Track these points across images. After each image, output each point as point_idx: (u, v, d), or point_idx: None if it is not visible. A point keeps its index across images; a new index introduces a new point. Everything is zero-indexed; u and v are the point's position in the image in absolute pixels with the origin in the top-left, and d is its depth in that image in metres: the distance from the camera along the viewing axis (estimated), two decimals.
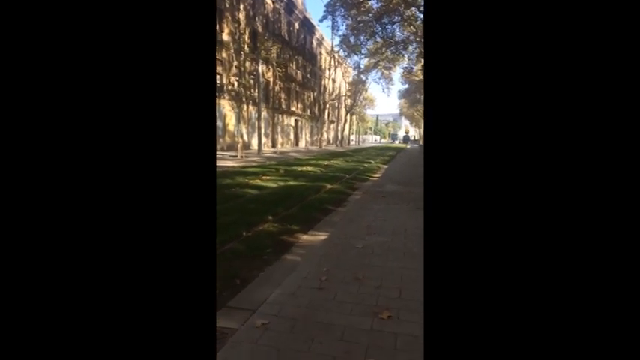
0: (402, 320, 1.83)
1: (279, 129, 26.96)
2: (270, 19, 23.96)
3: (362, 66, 30.84)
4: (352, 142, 45.48)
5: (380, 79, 32.07)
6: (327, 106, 33.93)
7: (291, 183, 7.23)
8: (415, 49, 20.51)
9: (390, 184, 7.47)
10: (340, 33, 22.76)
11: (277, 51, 21.77)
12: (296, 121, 30.50)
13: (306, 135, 33.15)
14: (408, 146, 40.83)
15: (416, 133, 64.13)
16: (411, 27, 18.28)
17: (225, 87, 19.05)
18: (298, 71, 29.31)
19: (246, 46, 16.90)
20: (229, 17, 18.89)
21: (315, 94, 33.70)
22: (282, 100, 27.14)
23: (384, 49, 22.20)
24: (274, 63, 22.38)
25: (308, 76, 31.93)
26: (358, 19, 19.03)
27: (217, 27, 18.34)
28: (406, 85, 38.58)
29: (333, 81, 33.84)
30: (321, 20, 28.07)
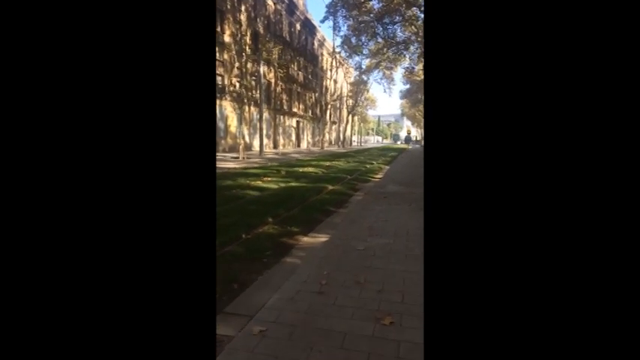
0: (404, 327, 1.76)
1: (280, 130, 26.93)
2: (271, 20, 23.96)
3: (363, 66, 30.81)
4: (354, 143, 45.43)
5: (381, 79, 32.06)
6: (329, 106, 33.90)
7: (293, 184, 7.17)
8: (416, 49, 20.45)
9: (392, 185, 7.40)
10: (341, 34, 22.69)
11: (279, 52, 21.75)
12: (298, 122, 30.46)
13: (307, 136, 33.12)
14: (410, 147, 40.69)
15: (418, 133, 63.96)
16: (412, 27, 18.23)
17: (227, 88, 19.04)
18: (300, 72, 29.29)
19: (247, 47, 16.89)
20: (231, 18, 18.88)
21: (317, 95, 33.67)
22: (284, 101, 27.12)
23: (385, 50, 22.15)
24: (276, 64, 22.36)
25: (309, 77, 31.92)
26: (359, 19, 18.99)
27: (219, 28, 18.34)
28: (408, 86, 38.57)
29: (335, 82, 33.79)
30: (322, 21, 28.03)
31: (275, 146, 25.82)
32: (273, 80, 24.67)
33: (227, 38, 18.68)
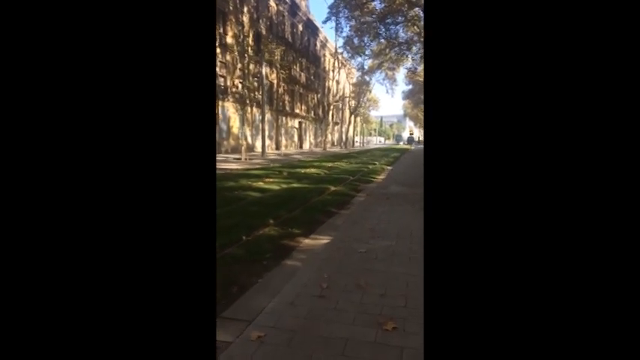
0: (407, 332, 1.71)
1: (283, 131, 26.93)
2: (273, 21, 23.98)
3: (366, 67, 30.83)
4: (356, 144, 45.38)
5: (384, 80, 32.08)
6: (331, 107, 33.88)
7: (295, 185, 7.13)
8: (419, 49, 20.36)
9: (395, 186, 7.34)
10: (344, 34, 22.71)
11: (281, 53, 21.77)
12: (300, 123, 30.45)
13: (310, 137, 33.09)
14: (413, 147, 40.58)
15: (420, 134, 63.81)
16: (415, 27, 18.17)
17: (229, 89, 19.04)
18: (302, 73, 29.29)
19: (250, 48, 16.87)
20: (233, 20, 18.91)
21: (319, 95, 33.66)
22: (286, 102, 27.12)
23: (387, 50, 22.10)
24: (278, 65, 22.37)
25: (312, 77, 31.90)
26: (362, 20, 18.96)
27: (221, 30, 18.37)
28: (410, 86, 38.48)
29: (337, 82, 33.77)
30: (324, 22, 28.12)
31: (277, 147, 25.81)
32: (275, 81, 24.67)
33: (230, 40, 18.71)
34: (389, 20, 18.07)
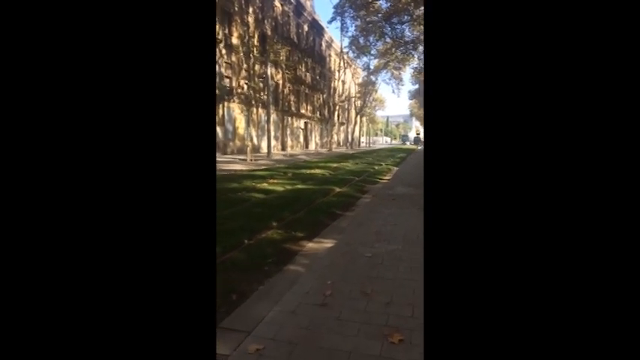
0: (414, 344, 1.61)
1: (288, 131, 26.88)
2: (279, 21, 23.94)
3: (371, 67, 30.66)
4: (362, 144, 45.20)
5: (390, 79, 31.80)
6: (337, 108, 33.77)
7: (299, 186, 7.04)
8: None
9: (401, 187, 7.22)
10: (349, 34, 22.53)
11: (286, 53, 21.70)
12: (305, 123, 30.39)
13: (315, 137, 33.02)
14: (419, 147, 40.21)
15: None
16: (421, 26, 17.98)
17: (234, 90, 19.04)
18: (307, 73, 29.23)
19: (255, 49, 16.81)
20: (238, 20, 18.89)
21: (325, 96, 33.56)
22: (292, 102, 27.06)
23: (393, 50, 21.92)
24: (283, 66, 22.31)
25: (317, 78, 31.83)
26: (367, 19, 18.82)
27: (227, 30, 18.37)
28: (416, 86, 38.17)
29: (343, 83, 33.64)
30: (330, 22, 28.00)
31: (283, 148, 25.77)
32: (280, 82, 24.63)
33: (235, 40, 18.69)
34: (395, 19, 17.91)
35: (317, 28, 31.10)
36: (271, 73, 19.73)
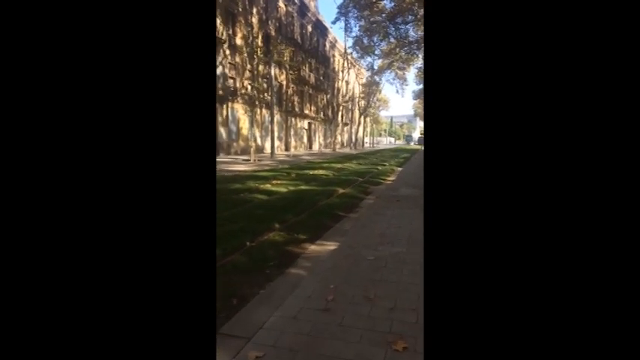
0: (419, 352, 1.56)
1: (292, 132, 26.87)
2: (283, 22, 23.95)
3: (375, 67, 30.60)
4: (366, 144, 45.11)
5: (394, 79, 31.76)
6: (341, 108, 33.72)
7: (302, 187, 7.00)
8: None
9: (405, 188, 7.16)
10: (353, 34, 22.53)
11: (290, 54, 21.67)
12: (309, 123, 30.36)
13: (319, 138, 32.99)
14: (423, 147, 40.10)
15: None
16: None
17: (238, 91, 19.05)
18: (311, 74, 29.21)
19: (259, 49, 16.80)
20: (242, 21, 18.92)
21: (329, 96, 33.53)
22: (296, 103, 27.06)
23: (397, 50, 21.86)
24: (287, 66, 22.32)
25: (321, 78, 31.80)
26: (371, 19, 18.78)
27: (230, 31, 18.38)
28: (420, 86, 38.03)
29: (347, 83, 33.59)
30: (333, 22, 27.98)
31: (287, 148, 25.76)
32: (284, 82, 24.64)
33: (239, 41, 18.72)
34: (399, 19, 17.85)
35: (321, 29, 31.08)
36: (275, 73, 19.72)
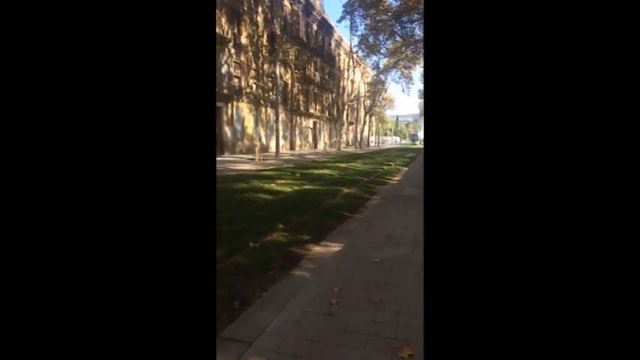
0: None
1: (297, 131, 26.84)
2: (288, 21, 23.90)
3: (381, 66, 30.46)
4: (371, 144, 44.96)
5: (399, 78, 31.57)
6: (346, 107, 33.61)
7: (307, 187, 6.96)
8: None
9: (411, 188, 7.08)
10: (359, 33, 22.47)
11: (295, 53, 21.61)
12: (314, 123, 30.31)
13: (324, 137, 32.92)
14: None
15: None
16: None
17: (243, 90, 19.04)
18: (316, 73, 29.14)
19: (264, 48, 16.77)
20: (247, 20, 18.90)
21: (334, 95, 33.45)
22: (301, 102, 27.01)
23: (403, 48, 21.70)
24: (292, 65, 22.25)
25: (326, 77, 31.72)
26: (377, 18, 18.66)
27: (236, 30, 18.37)
28: None
29: (352, 82, 33.47)
30: (339, 21, 27.88)
31: (292, 147, 25.75)
32: (289, 81, 24.60)
33: (244, 40, 18.70)
34: (405, 18, 17.71)
35: (326, 27, 30.98)
36: (280, 72, 19.69)
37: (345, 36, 33.53)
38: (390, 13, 17.98)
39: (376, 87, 34.60)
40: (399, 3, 17.23)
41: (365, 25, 19.92)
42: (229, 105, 18.22)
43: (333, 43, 33.53)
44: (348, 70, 31.90)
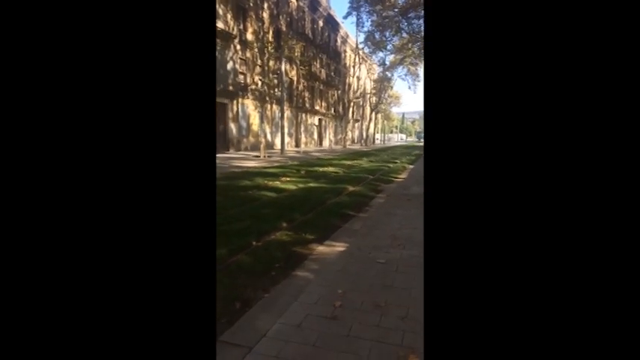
0: None
1: (302, 128, 26.77)
2: (294, 17, 23.78)
3: (387, 63, 30.26)
4: (377, 141, 44.77)
5: (406, 75, 31.37)
6: (352, 104, 33.43)
7: (311, 185, 6.90)
8: None
9: (417, 186, 6.98)
10: (365, 29, 22.26)
11: (301, 49, 21.48)
12: (320, 120, 30.21)
13: (330, 134, 32.82)
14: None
15: None
16: None
17: (249, 87, 19.00)
18: (322, 69, 29.00)
19: (269, 45, 16.68)
20: (253, 16, 18.82)
21: (340, 92, 33.30)
22: (306, 99, 26.92)
23: (410, 45, 21.51)
24: (298, 62, 22.14)
25: (332, 74, 31.57)
26: (383, 14, 18.50)
27: (241, 26, 18.31)
28: None
29: (358, 79, 33.25)
30: (345, 17, 27.70)
31: (297, 144, 25.70)
32: (295, 78, 24.51)
33: (249, 36, 18.63)
34: (411, 14, 17.52)
35: (332, 24, 30.80)
36: (286, 69, 19.60)
37: (351, 32, 33.34)
38: (396, 9, 17.81)
39: (382, 84, 34.39)
40: None
41: (371, 21, 19.77)
42: (235, 102, 18.19)
43: (339, 40, 33.34)
44: (354, 66, 31.73)
